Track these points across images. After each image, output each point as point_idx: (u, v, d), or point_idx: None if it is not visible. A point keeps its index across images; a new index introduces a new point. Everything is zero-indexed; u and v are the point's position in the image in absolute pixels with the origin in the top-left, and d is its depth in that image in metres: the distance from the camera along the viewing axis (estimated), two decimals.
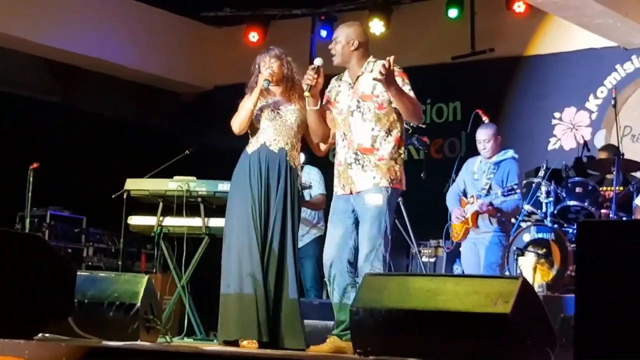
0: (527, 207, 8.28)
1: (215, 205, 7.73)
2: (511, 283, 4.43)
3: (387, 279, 4.98)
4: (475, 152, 8.23)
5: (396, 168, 5.86)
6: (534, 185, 8.32)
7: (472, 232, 7.93)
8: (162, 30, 11.99)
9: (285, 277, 6.15)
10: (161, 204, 7.81)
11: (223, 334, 6.14)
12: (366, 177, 5.84)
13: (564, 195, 8.23)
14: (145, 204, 8.02)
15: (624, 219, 7.99)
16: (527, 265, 7.68)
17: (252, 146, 6.35)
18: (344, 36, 5.98)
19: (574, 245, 7.79)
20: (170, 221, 7.81)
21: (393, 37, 10.62)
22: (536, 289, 6.91)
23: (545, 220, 8.17)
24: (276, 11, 11.84)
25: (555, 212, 8.19)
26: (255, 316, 6.02)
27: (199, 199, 7.72)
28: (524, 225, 8.22)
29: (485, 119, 8.38)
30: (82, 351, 4.17)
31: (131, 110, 12.38)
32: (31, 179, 8.88)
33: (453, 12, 10.81)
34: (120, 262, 9.51)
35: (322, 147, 6.36)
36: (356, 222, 5.89)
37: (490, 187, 7.88)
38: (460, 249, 8.24)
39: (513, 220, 8.14)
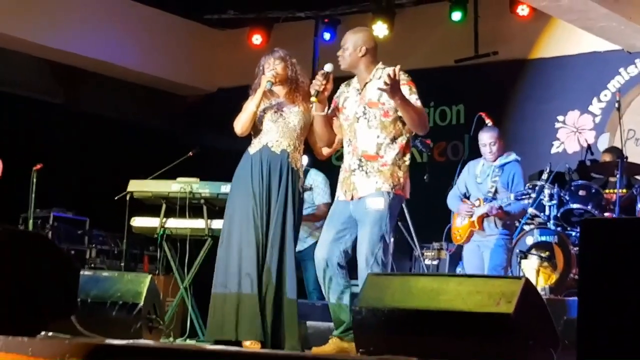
0: (531, 210, 8.28)
1: (218, 207, 7.72)
2: (514, 283, 4.44)
3: (389, 278, 4.99)
4: (478, 155, 8.24)
5: (399, 174, 5.85)
6: (537, 188, 8.32)
7: (476, 234, 7.95)
8: (166, 33, 12.00)
9: (284, 278, 6.15)
10: (164, 206, 7.81)
11: (218, 334, 6.12)
12: (369, 182, 5.82)
13: (567, 198, 8.22)
14: (148, 206, 8.02)
15: None
16: (530, 268, 7.68)
17: (254, 147, 6.35)
18: (351, 42, 5.97)
19: (577, 248, 7.79)
20: (173, 223, 7.81)
21: (396, 40, 10.62)
22: (539, 291, 6.90)
23: (548, 223, 8.16)
24: (280, 14, 11.85)
25: (559, 215, 8.18)
26: (254, 316, 6.02)
27: (202, 201, 7.72)
28: (527, 228, 8.22)
29: (488, 122, 8.40)
30: (85, 348, 4.16)
31: (134, 112, 12.39)
32: (34, 180, 8.88)
33: (457, 15, 10.81)
34: (123, 264, 9.50)
35: (325, 151, 6.35)
36: (350, 228, 5.88)
37: (496, 190, 7.90)
38: (463, 251, 8.25)
39: (517, 223, 8.15)
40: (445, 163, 10.64)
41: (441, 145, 10.92)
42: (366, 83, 5.94)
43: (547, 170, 8.32)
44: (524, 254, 7.78)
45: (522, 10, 10.41)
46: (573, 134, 10.19)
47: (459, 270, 8.59)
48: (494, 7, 10.71)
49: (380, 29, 10.75)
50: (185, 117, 12.65)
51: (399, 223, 8.39)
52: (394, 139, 5.86)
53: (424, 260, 9.10)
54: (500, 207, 7.76)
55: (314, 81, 5.90)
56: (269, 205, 6.20)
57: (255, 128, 6.36)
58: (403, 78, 5.84)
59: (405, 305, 4.59)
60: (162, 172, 8.12)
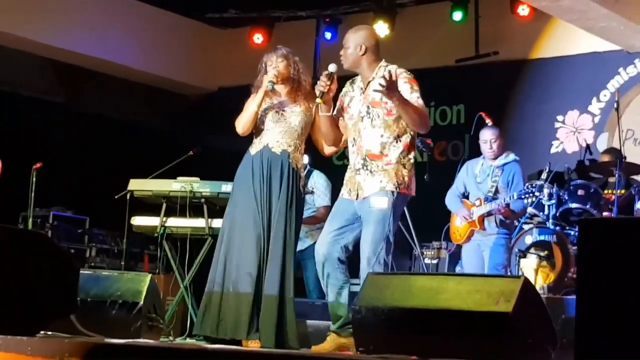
0: (530, 210, 8.30)
1: (219, 206, 7.72)
2: (513, 282, 4.44)
3: (389, 277, 4.99)
4: (478, 155, 8.26)
5: (404, 172, 5.83)
6: (538, 187, 8.33)
7: (477, 233, 7.97)
8: (167, 32, 12.01)
9: (286, 277, 6.15)
10: (164, 205, 7.81)
11: (208, 330, 6.14)
12: (373, 181, 5.81)
13: (566, 198, 8.24)
14: (149, 205, 8.02)
15: None
16: (529, 267, 7.69)
17: (255, 147, 6.35)
18: (352, 42, 5.95)
19: (576, 247, 7.81)
20: (173, 222, 7.81)
21: (397, 40, 10.62)
22: (537, 290, 6.92)
23: (547, 223, 8.18)
24: (281, 13, 11.86)
25: (558, 214, 8.20)
26: (253, 315, 6.03)
27: (203, 200, 7.71)
28: (526, 227, 8.24)
29: (488, 121, 8.41)
30: (84, 348, 4.17)
31: (135, 111, 12.40)
32: (34, 179, 8.89)
33: (457, 15, 10.82)
34: (123, 263, 9.51)
35: (331, 149, 6.34)
36: (353, 224, 5.88)
37: (496, 190, 7.92)
38: (462, 251, 8.26)
39: (515, 222, 8.16)
40: (445, 163, 10.65)
41: (441, 144, 10.93)
42: (369, 82, 5.90)
43: (547, 170, 8.34)
44: (523, 253, 7.80)
45: (523, 11, 10.41)
46: (572, 133, 10.20)
47: (458, 269, 8.61)
48: (495, 7, 10.72)
49: (381, 28, 10.75)
50: (186, 116, 12.66)
51: (399, 223, 8.40)
52: (397, 138, 5.84)
53: (423, 259, 9.11)
54: (507, 205, 7.78)
55: (318, 82, 5.88)
56: (270, 205, 6.21)
57: (257, 128, 6.37)
58: (404, 76, 5.83)
59: (404, 305, 4.60)
60: (163, 171, 8.13)
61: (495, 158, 8.03)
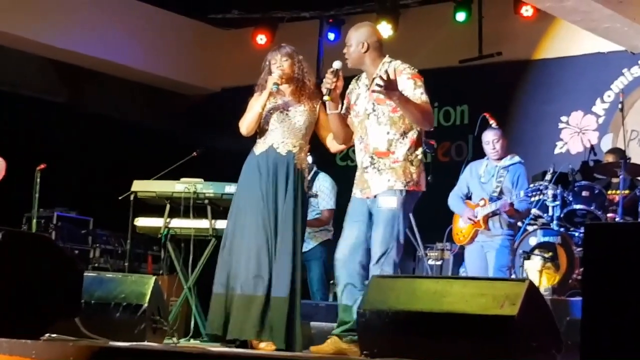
0: (534, 211, 8.29)
1: (222, 207, 7.72)
2: (518, 285, 4.44)
3: (393, 280, 4.98)
4: (481, 155, 8.25)
5: (412, 169, 5.78)
6: (543, 186, 8.33)
7: (481, 234, 7.96)
8: (170, 32, 12.01)
9: (296, 279, 6.14)
10: (168, 206, 7.81)
11: (218, 331, 6.14)
12: (381, 179, 5.77)
13: (571, 199, 8.23)
14: (152, 206, 8.02)
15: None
16: (533, 269, 7.68)
17: (260, 147, 6.32)
18: (354, 39, 5.91)
19: (580, 249, 7.80)
20: (177, 223, 7.80)
21: (400, 40, 10.61)
22: (542, 292, 6.90)
23: (551, 224, 8.17)
24: (284, 14, 11.85)
25: (562, 215, 8.19)
26: (262, 316, 6.03)
27: (206, 201, 7.71)
28: (530, 228, 8.23)
29: (492, 122, 8.40)
30: (89, 351, 4.18)
31: (138, 112, 12.40)
32: (38, 180, 8.89)
33: (461, 16, 10.82)
34: (127, 264, 9.49)
35: (341, 147, 6.30)
36: (371, 225, 5.81)
37: (501, 191, 7.91)
38: (465, 252, 8.25)
39: (520, 223, 8.15)
40: (449, 163, 10.64)
41: (445, 145, 10.92)
42: (374, 78, 5.81)
43: (551, 171, 8.33)
44: (527, 255, 7.79)
45: (527, 11, 10.41)
46: (576, 134, 10.19)
47: (462, 270, 8.60)
48: (498, 7, 10.71)
49: (385, 29, 10.74)
50: (188, 117, 12.65)
51: None
52: (404, 134, 5.79)
53: (427, 260, 9.10)
54: (512, 204, 7.77)
55: (324, 80, 5.82)
56: (276, 206, 6.18)
57: (261, 128, 6.34)
58: (408, 71, 5.79)
59: (409, 308, 4.59)
60: (166, 172, 8.13)
61: (500, 159, 8.03)
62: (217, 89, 12.60)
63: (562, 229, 8.09)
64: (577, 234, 8.08)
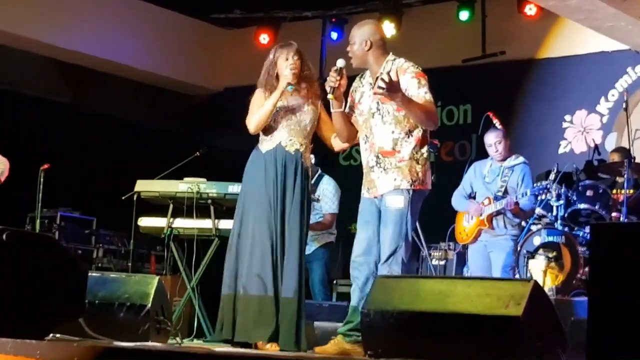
0: (538, 210, 8.27)
1: (226, 207, 7.72)
2: (523, 285, 4.43)
3: (398, 281, 4.98)
4: (485, 155, 8.24)
5: (417, 168, 5.75)
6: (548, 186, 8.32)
7: (484, 233, 7.95)
8: (172, 32, 12.01)
9: (302, 280, 6.12)
10: (171, 206, 7.80)
11: (228, 334, 6.12)
12: (387, 179, 5.74)
13: (575, 199, 8.21)
14: (155, 206, 8.01)
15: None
16: (537, 269, 7.66)
17: (266, 145, 6.24)
18: (356, 37, 5.88)
19: (585, 248, 7.79)
20: (180, 223, 7.80)
21: (404, 40, 10.61)
22: (546, 292, 6.89)
23: (555, 224, 8.15)
24: (287, 13, 11.85)
25: (566, 215, 8.17)
26: (271, 318, 6.01)
27: (209, 201, 7.70)
28: (534, 228, 8.21)
29: (496, 121, 8.38)
30: (93, 352, 4.17)
31: (141, 112, 12.40)
32: (42, 180, 8.89)
33: (464, 15, 10.81)
34: (130, 264, 9.51)
35: (344, 145, 6.27)
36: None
37: (505, 190, 7.89)
38: (468, 251, 8.24)
39: (523, 223, 8.14)
40: (452, 163, 10.64)
41: (448, 145, 10.92)
42: (377, 77, 5.77)
43: (555, 170, 8.31)
44: (531, 254, 7.77)
45: (530, 10, 10.40)
46: (580, 133, 10.18)
47: (466, 270, 8.58)
48: (502, 6, 10.71)
49: (388, 28, 10.74)
50: (191, 117, 12.65)
51: None
52: (409, 133, 5.76)
53: (431, 260, 9.09)
54: (517, 203, 7.75)
55: (328, 78, 5.78)
56: (284, 206, 6.12)
57: (267, 126, 6.27)
58: (412, 70, 5.75)
59: (413, 308, 4.58)
60: (169, 172, 8.12)
61: (504, 159, 8.01)
62: (220, 88, 12.60)
63: (566, 229, 8.08)
64: (581, 233, 8.07)
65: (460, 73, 10.84)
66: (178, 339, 6.40)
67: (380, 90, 5.52)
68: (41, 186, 8.89)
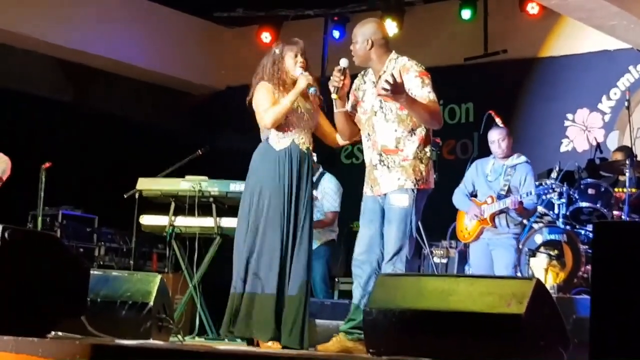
0: (540, 209, 8.28)
1: (228, 206, 7.73)
2: (525, 284, 4.42)
3: (400, 279, 4.97)
4: (487, 154, 8.23)
5: (421, 167, 5.76)
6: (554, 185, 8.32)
7: (487, 232, 7.93)
8: (174, 30, 12.01)
9: (309, 278, 6.11)
10: (173, 204, 7.81)
11: (236, 332, 6.11)
12: (391, 177, 5.74)
13: (577, 197, 8.21)
14: (157, 204, 8.02)
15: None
16: (539, 267, 7.66)
17: (280, 143, 6.13)
18: (359, 36, 5.86)
19: (586, 246, 7.79)
20: (182, 221, 7.81)
21: (406, 38, 10.60)
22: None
23: (557, 222, 8.16)
24: (289, 12, 11.84)
25: (568, 213, 8.18)
26: (274, 316, 5.99)
27: (211, 199, 7.71)
28: (536, 226, 8.22)
29: (497, 120, 8.38)
30: (95, 349, 4.17)
31: (143, 110, 12.40)
32: (44, 179, 8.89)
33: (466, 14, 10.81)
34: (132, 262, 9.52)
35: (344, 143, 6.26)
36: (384, 221, 5.79)
37: (508, 189, 7.89)
38: (469, 250, 8.23)
39: (525, 221, 8.14)
40: (454, 161, 10.64)
41: (450, 143, 10.92)
42: (380, 75, 5.78)
43: (557, 169, 8.32)
44: (533, 253, 7.78)
45: (532, 9, 10.40)
46: (582, 132, 10.18)
47: (467, 268, 8.58)
48: (504, 5, 10.71)
49: (390, 26, 10.72)
50: (193, 116, 12.66)
51: None
52: (412, 131, 5.76)
53: (432, 258, 9.09)
54: (521, 202, 7.75)
55: (331, 78, 5.77)
56: (298, 205, 6.08)
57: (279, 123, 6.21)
58: (415, 69, 5.75)
59: (416, 306, 4.57)
60: (171, 170, 8.12)
61: (506, 157, 8.01)
62: (222, 87, 12.59)
63: (568, 227, 8.09)
64: (583, 231, 8.07)
65: (462, 71, 10.83)
66: (180, 336, 6.40)
67: (384, 92, 5.51)
68: (43, 184, 8.88)
